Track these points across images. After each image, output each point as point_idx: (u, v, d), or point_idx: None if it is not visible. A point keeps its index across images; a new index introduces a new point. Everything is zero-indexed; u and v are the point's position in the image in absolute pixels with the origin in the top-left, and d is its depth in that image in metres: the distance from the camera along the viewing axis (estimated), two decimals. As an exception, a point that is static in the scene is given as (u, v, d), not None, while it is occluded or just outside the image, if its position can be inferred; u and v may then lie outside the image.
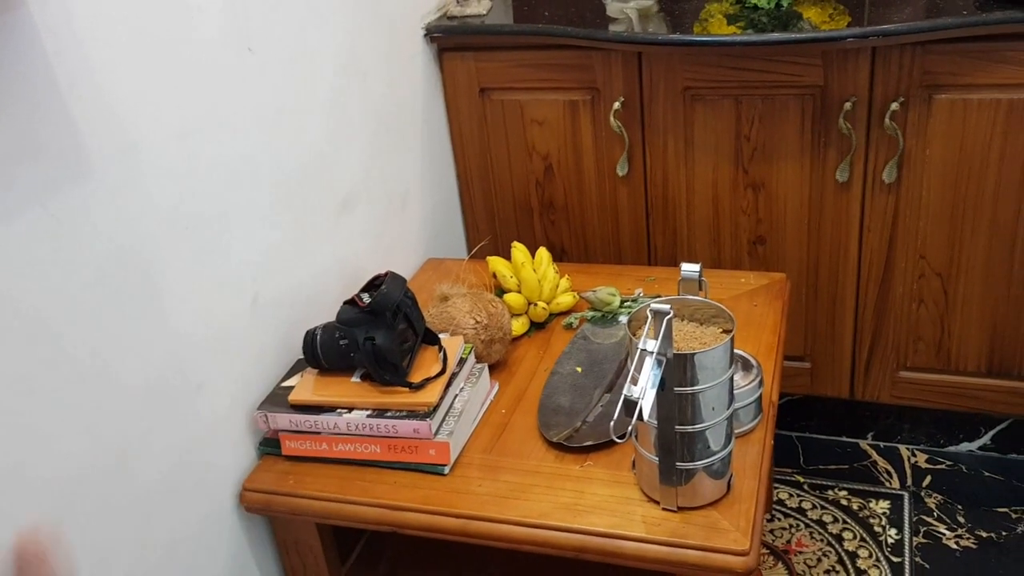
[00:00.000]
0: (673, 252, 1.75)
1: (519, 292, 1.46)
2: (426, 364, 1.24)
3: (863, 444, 1.87)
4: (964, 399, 1.71)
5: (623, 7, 1.65)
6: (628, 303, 1.47)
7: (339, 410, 1.19)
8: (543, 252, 1.50)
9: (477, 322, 1.31)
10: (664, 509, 1.06)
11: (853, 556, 1.63)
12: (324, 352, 1.22)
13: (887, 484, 1.78)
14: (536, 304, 1.45)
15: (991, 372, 1.67)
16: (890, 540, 1.65)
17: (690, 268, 1.15)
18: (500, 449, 1.20)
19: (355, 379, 1.23)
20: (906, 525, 1.68)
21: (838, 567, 1.61)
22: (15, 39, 0.87)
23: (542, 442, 1.20)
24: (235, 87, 1.18)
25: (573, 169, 1.74)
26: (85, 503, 0.98)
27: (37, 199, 0.90)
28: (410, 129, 1.67)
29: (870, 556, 1.62)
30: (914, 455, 1.83)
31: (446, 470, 1.17)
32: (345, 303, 1.24)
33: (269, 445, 1.24)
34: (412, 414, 1.17)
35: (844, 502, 1.74)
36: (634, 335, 1.02)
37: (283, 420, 1.21)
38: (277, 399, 1.23)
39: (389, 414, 1.17)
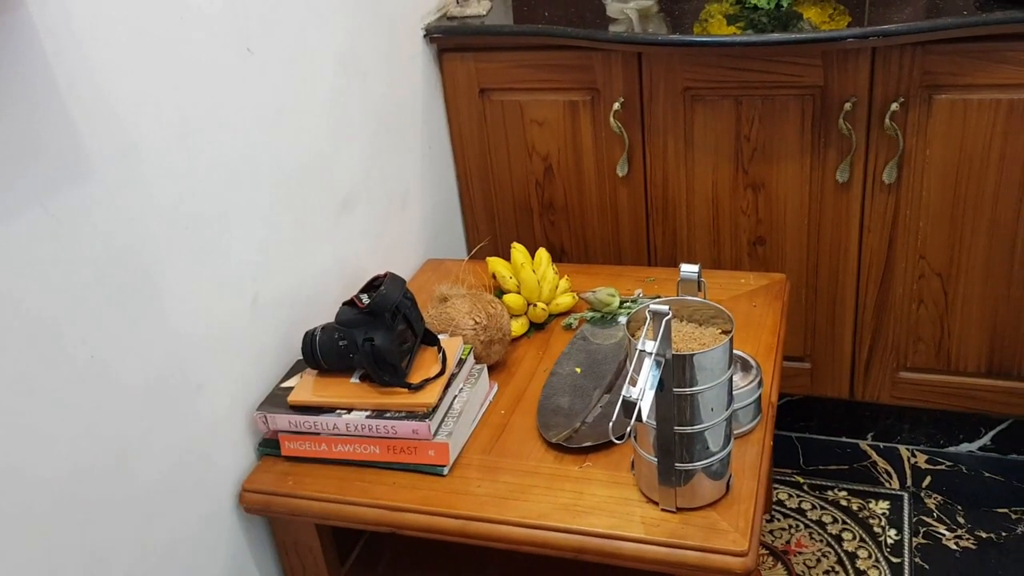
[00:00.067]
0: (673, 253, 1.75)
1: (518, 293, 1.46)
2: (425, 365, 1.24)
3: (863, 445, 1.87)
4: (964, 399, 1.71)
5: (623, 7, 1.65)
6: (627, 304, 1.47)
7: (338, 411, 1.19)
8: (542, 253, 1.50)
9: (476, 323, 1.31)
10: (663, 510, 1.06)
11: (853, 557, 1.63)
12: (323, 353, 1.23)
13: (887, 485, 1.77)
14: (535, 305, 1.46)
15: (991, 372, 1.67)
16: (890, 541, 1.65)
17: (689, 269, 1.15)
18: (499, 450, 1.20)
19: (354, 380, 1.23)
20: (906, 526, 1.68)
21: (838, 568, 1.61)
22: (14, 39, 0.87)
23: (541, 443, 1.20)
24: (235, 87, 1.18)
25: (573, 170, 1.74)
26: (85, 503, 0.98)
27: (37, 199, 0.90)
28: (410, 129, 1.67)
29: (870, 557, 1.62)
30: (914, 455, 1.83)
31: (445, 471, 1.17)
32: (344, 304, 1.24)
33: (268, 446, 1.24)
34: (411, 415, 1.17)
35: (844, 503, 1.74)
36: (633, 336, 1.02)
37: (282, 421, 1.21)
38: (276, 400, 1.23)
39: (388, 415, 1.17)
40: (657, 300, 1.10)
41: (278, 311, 1.29)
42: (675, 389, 0.98)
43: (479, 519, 1.10)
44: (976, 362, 1.67)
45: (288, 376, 1.28)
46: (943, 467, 1.80)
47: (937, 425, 1.82)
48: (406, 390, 1.19)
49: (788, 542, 1.67)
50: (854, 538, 1.66)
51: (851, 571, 1.60)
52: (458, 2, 1.72)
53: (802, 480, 1.80)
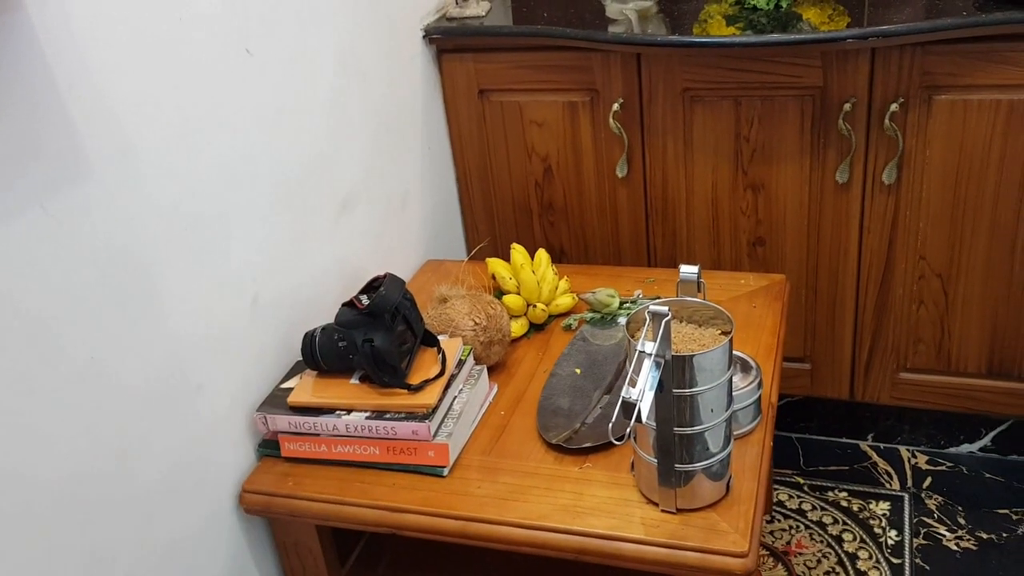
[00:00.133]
0: (672, 253, 1.75)
1: (518, 294, 1.46)
2: (425, 366, 1.24)
3: (863, 445, 1.87)
4: (964, 400, 1.71)
5: (622, 8, 1.65)
6: (627, 304, 1.47)
7: (338, 412, 1.19)
8: (542, 253, 1.50)
9: (476, 324, 1.31)
10: (663, 511, 1.06)
11: (853, 557, 1.63)
12: (323, 354, 1.23)
13: (887, 485, 1.77)
14: (535, 305, 1.45)
15: (991, 373, 1.67)
16: (890, 541, 1.65)
17: (688, 270, 1.15)
18: (499, 451, 1.20)
19: (354, 381, 1.23)
20: (906, 526, 1.68)
21: (838, 568, 1.61)
22: (14, 40, 0.87)
23: (541, 444, 1.20)
24: (235, 87, 1.18)
25: (572, 170, 1.74)
26: (85, 503, 0.98)
27: (37, 199, 0.90)
28: (409, 130, 1.67)
29: (870, 557, 1.62)
30: (914, 456, 1.83)
31: (445, 472, 1.17)
32: (344, 305, 1.24)
33: (268, 447, 1.24)
34: (411, 416, 1.17)
35: (844, 503, 1.74)
36: (632, 337, 1.02)
37: (282, 422, 1.21)
38: (276, 401, 1.23)
39: (388, 416, 1.17)
40: (657, 301, 1.10)
41: (278, 312, 1.29)
42: (675, 390, 0.98)
43: (479, 520, 1.10)
44: (976, 363, 1.67)
45: (288, 377, 1.28)
46: (943, 468, 1.80)
47: (937, 426, 1.82)
48: (406, 391, 1.19)
49: (788, 543, 1.67)
50: (854, 539, 1.66)
51: (851, 572, 1.60)
52: (457, 3, 1.72)
53: (802, 481, 1.80)
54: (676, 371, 0.98)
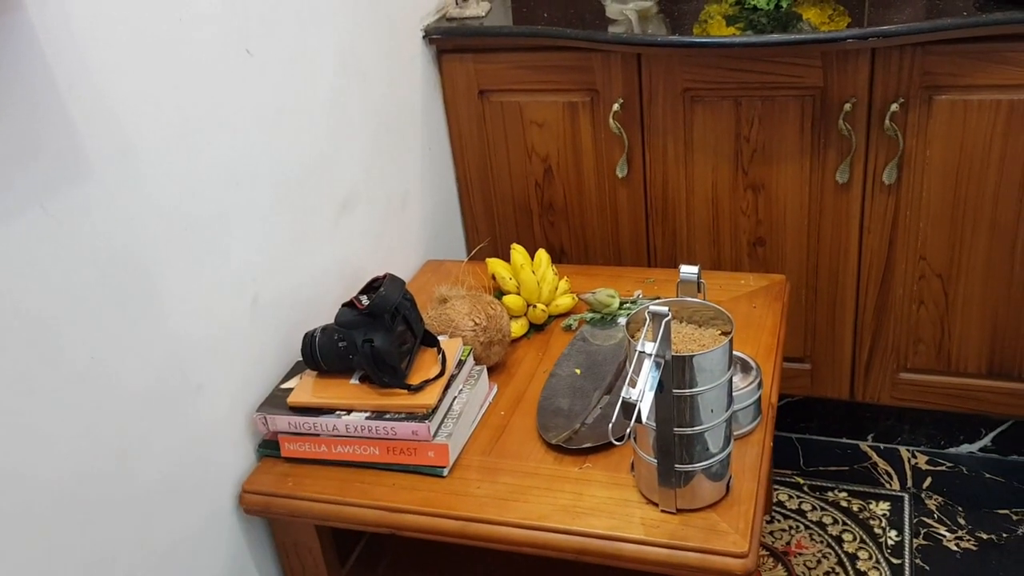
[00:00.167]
0: (673, 253, 1.75)
1: (518, 294, 1.46)
2: (425, 366, 1.24)
3: (863, 446, 1.87)
4: (964, 400, 1.71)
5: (622, 8, 1.65)
6: (627, 305, 1.46)
7: (338, 412, 1.19)
8: (542, 254, 1.50)
9: (476, 324, 1.31)
10: (663, 511, 1.06)
11: (853, 558, 1.62)
12: (323, 354, 1.22)
13: (887, 486, 1.77)
14: (535, 306, 1.45)
15: (991, 373, 1.67)
16: (890, 542, 1.65)
17: (688, 270, 1.15)
18: (499, 451, 1.20)
19: (354, 381, 1.23)
20: (906, 527, 1.67)
21: (838, 569, 1.61)
22: (14, 41, 0.87)
23: (541, 444, 1.20)
24: (235, 87, 1.18)
25: (572, 171, 1.74)
26: (85, 504, 0.98)
27: (37, 199, 0.90)
28: (409, 130, 1.67)
29: (870, 558, 1.62)
30: (914, 456, 1.83)
31: (445, 472, 1.17)
32: (344, 305, 1.24)
33: (268, 447, 1.24)
34: (411, 416, 1.17)
35: (844, 504, 1.74)
36: (632, 337, 1.02)
37: (282, 422, 1.21)
38: (276, 401, 1.23)
39: (388, 416, 1.17)
40: (657, 301, 1.10)
41: (278, 312, 1.29)
42: (675, 390, 0.98)
43: (479, 520, 1.10)
44: (977, 363, 1.67)
45: (288, 377, 1.28)
46: (944, 468, 1.80)
47: (937, 426, 1.82)
48: (406, 391, 1.19)
49: (788, 543, 1.67)
50: (854, 539, 1.66)
51: (852, 572, 1.60)
52: (457, 3, 1.72)
53: (802, 481, 1.80)
54: (676, 371, 0.98)
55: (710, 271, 1.58)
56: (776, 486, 1.79)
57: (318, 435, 1.20)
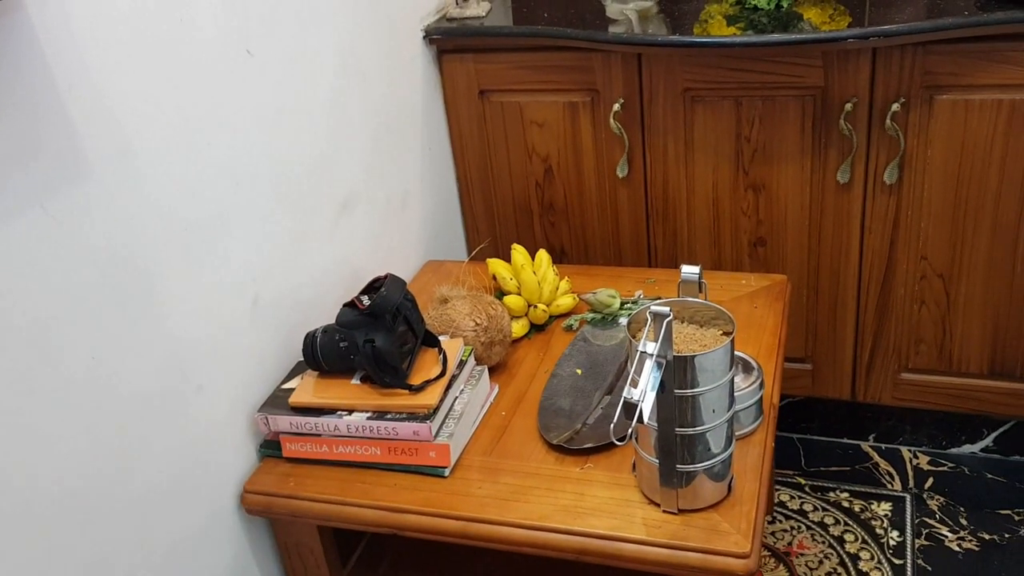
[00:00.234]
0: (673, 254, 1.75)
1: (519, 294, 1.46)
2: (426, 366, 1.24)
3: (864, 446, 1.87)
4: (966, 401, 1.71)
5: (623, 8, 1.65)
6: (628, 305, 1.46)
7: (339, 412, 1.19)
8: (543, 254, 1.50)
9: (477, 324, 1.31)
10: (664, 511, 1.06)
11: (855, 558, 1.62)
12: (324, 354, 1.22)
13: (889, 486, 1.77)
14: (536, 306, 1.45)
15: (993, 374, 1.67)
16: (892, 542, 1.65)
17: (690, 270, 1.15)
18: (500, 451, 1.20)
19: (355, 381, 1.23)
20: (908, 527, 1.67)
21: (840, 569, 1.61)
22: (14, 41, 0.87)
23: (542, 444, 1.20)
24: (235, 88, 1.18)
25: (573, 171, 1.74)
26: (86, 504, 0.98)
27: (36, 200, 0.90)
28: (410, 131, 1.66)
29: (872, 558, 1.62)
30: (916, 457, 1.83)
31: (446, 472, 1.16)
32: (345, 305, 1.23)
33: (270, 447, 1.24)
34: (412, 416, 1.17)
35: (846, 504, 1.74)
36: (634, 337, 1.02)
37: (283, 422, 1.21)
38: (277, 401, 1.23)
39: (389, 416, 1.17)
40: (658, 301, 1.09)
41: (278, 312, 1.29)
42: (676, 391, 0.98)
43: (480, 520, 1.10)
44: (978, 363, 1.67)
45: (289, 377, 1.28)
46: (945, 468, 1.79)
47: (939, 426, 1.82)
48: (407, 391, 1.19)
49: (790, 544, 1.67)
50: (856, 539, 1.66)
51: (853, 573, 1.59)
52: (457, 3, 1.72)
53: (804, 481, 1.80)
54: (678, 371, 0.97)
55: (711, 271, 1.58)
56: (777, 486, 1.79)
57: (319, 435, 1.20)
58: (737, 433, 1.15)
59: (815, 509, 1.73)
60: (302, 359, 1.26)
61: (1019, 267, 1.56)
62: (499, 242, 1.86)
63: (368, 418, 1.17)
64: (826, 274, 1.68)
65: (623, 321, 1.43)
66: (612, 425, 0.99)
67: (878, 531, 1.67)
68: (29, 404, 0.90)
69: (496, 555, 1.23)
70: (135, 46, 1.01)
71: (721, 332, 1.05)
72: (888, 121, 1.49)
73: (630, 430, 1.01)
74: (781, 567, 1.62)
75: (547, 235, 1.83)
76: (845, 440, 1.89)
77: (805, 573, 1.61)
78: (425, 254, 1.73)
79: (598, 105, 1.66)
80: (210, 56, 1.13)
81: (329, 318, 1.26)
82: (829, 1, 1.61)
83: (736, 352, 1.10)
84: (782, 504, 1.75)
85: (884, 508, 1.72)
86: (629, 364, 0.98)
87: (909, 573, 1.58)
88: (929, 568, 1.59)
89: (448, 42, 1.70)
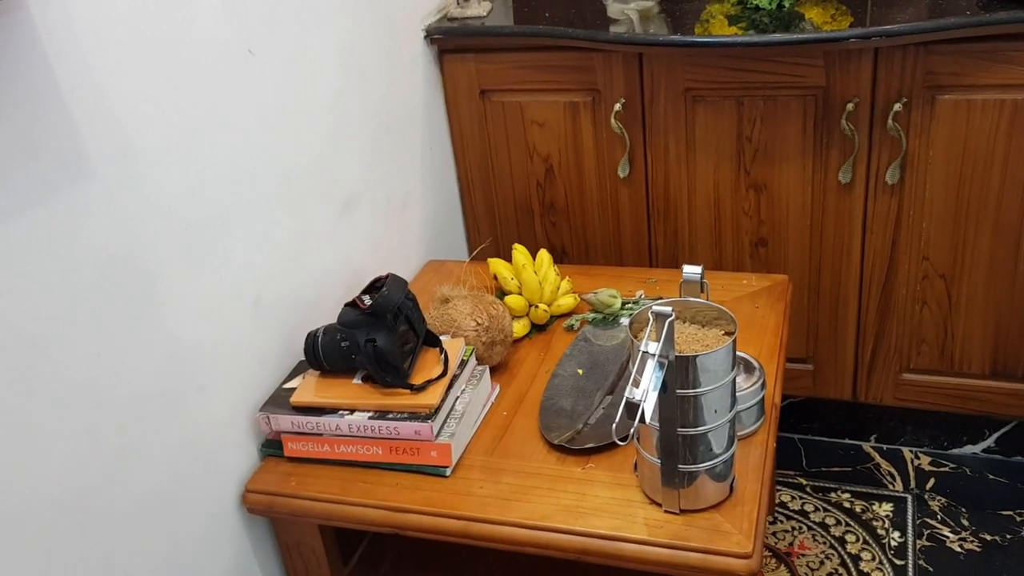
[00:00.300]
0: (674, 254, 1.75)
1: (520, 294, 1.46)
2: (427, 366, 1.23)
3: (866, 446, 1.87)
4: (968, 401, 1.71)
5: (624, 8, 1.65)
6: (629, 305, 1.46)
7: (341, 412, 1.19)
8: (544, 254, 1.50)
9: (478, 324, 1.31)
10: (666, 511, 1.06)
11: (856, 559, 1.62)
12: (325, 354, 1.22)
13: (890, 487, 1.77)
14: (537, 306, 1.45)
15: (995, 374, 1.67)
16: (893, 543, 1.64)
17: (692, 270, 1.15)
18: (501, 451, 1.20)
19: (356, 381, 1.23)
20: (909, 528, 1.67)
21: (841, 570, 1.60)
22: (15, 40, 0.87)
23: (543, 444, 1.20)
24: (236, 88, 1.18)
25: (574, 171, 1.74)
26: (86, 504, 0.97)
27: (37, 199, 0.90)
28: (411, 131, 1.66)
29: (873, 559, 1.62)
30: (917, 457, 1.83)
31: (448, 472, 1.16)
32: (346, 305, 1.23)
33: (271, 446, 1.24)
34: (413, 416, 1.16)
35: (847, 504, 1.73)
36: (636, 337, 1.02)
37: (285, 422, 1.21)
38: (279, 401, 1.23)
39: (391, 416, 1.17)
40: (660, 301, 1.09)
41: (280, 312, 1.29)
42: (678, 391, 0.98)
43: (482, 520, 1.10)
44: (980, 364, 1.66)
45: (290, 377, 1.28)
46: (947, 469, 1.79)
47: (941, 427, 1.82)
48: (408, 391, 1.19)
49: (791, 544, 1.66)
50: (857, 540, 1.66)
51: (855, 573, 1.59)
52: (459, 3, 1.72)
53: (805, 482, 1.80)
54: (680, 372, 0.97)
55: (712, 271, 1.57)
56: (778, 487, 1.79)
57: (321, 435, 1.19)
58: (739, 433, 1.15)
59: (816, 509, 1.73)
60: (303, 359, 1.26)
61: (1021, 267, 1.56)
62: (500, 242, 1.85)
63: (370, 418, 1.17)
64: (827, 274, 1.67)
65: (624, 321, 1.43)
66: (614, 425, 0.99)
67: (879, 532, 1.67)
68: (29, 404, 0.90)
69: (497, 555, 1.23)
70: (136, 46, 1.01)
71: (723, 332, 1.05)
72: (890, 121, 1.49)
73: (632, 430, 1.01)
74: (782, 568, 1.62)
75: (548, 235, 1.82)
76: (846, 440, 1.89)
77: (806, 573, 1.61)
78: (426, 254, 1.73)
79: (599, 105, 1.66)
80: (210, 56, 1.13)
81: (330, 318, 1.26)
82: (831, 1, 1.60)
83: (738, 352, 1.10)
84: (783, 504, 1.75)
85: (885, 509, 1.72)
86: (631, 364, 0.98)
87: (910, 574, 1.58)
88: (930, 569, 1.58)
89: (449, 42, 1.70)
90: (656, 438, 1.02)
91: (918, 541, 1.64)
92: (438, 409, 1.17)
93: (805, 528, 1.69)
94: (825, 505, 1.74)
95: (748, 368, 1.22)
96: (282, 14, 1.27)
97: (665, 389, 0.96)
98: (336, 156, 1.42)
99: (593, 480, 1.13)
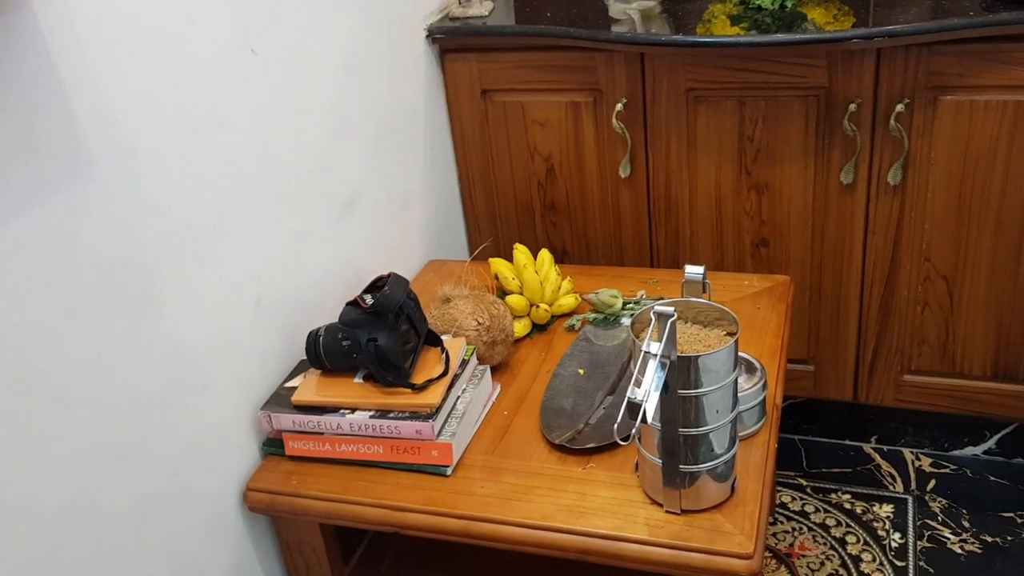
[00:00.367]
0: (675, 254, 1.75)
1: (521, 294, 1.46)
2: (428, 365, 1.23)
3: (867, 447, 1.87)
4: (969, 403, 1.70)
5: (625, 8, 1.64)
6: (630, 305, 1.46)
7: (342, 411, 1.19)
8: (545, 254, 1.50)
9: (479, 324, 1.31)
10: (667, 512, 1.06)
11: (856, 560, 1.62)
12: (327, 353, 1.22)
13: (891, 488, 1.77)
14: (538, 306, 1.45)
15: (996, 376, 1.67)
16: (894, 544, 1.64)
17: (694, 270, 1.15)
18: (502, 451, 1.20)
19: (358, 380, 1.23)
20: (910, 529, 1.67)
21: (841, 571, 1.60)
22: (17, 39, 0.87)
23: (544, 444, 1.20)
24: (236, 87, 1.18)
25: (575, 171, 1.74)
26: (87, 502, 0.97)
27: (37, 199, 0.90)
28: (412, 130, 1.66)
29: (874, 560, 1.61)
30: (918, 459, 1.83)
31: (448, 471, 1.16)
32: (348, 304, 1.23)
33: (272, 445, 1.24)
34: (414, 415, 1.16)
35: (847, 506, 1.73)
36: (638, 337, 1.02)
37: (286, 420, 1.21)
38: (280, 399, 1.23)
39: (392, 415, 1.17)
40: (662, 301, 1.09)
41: (281, 312, 1.29)
42: (680, 391, 0.98)
43: (482, 519, 1.10)
44: (981, 365, 1.66)
45: (292, 376, 1.28)
46: (948, 471, 1.79)
47: (942, 428, 1.82)
48: (409, 390, 1.19)
49: (792, 545, 1.66)
50: (858, 541, 1.66)
51: (855, 574, 1.59)
52: (460, 3, 1.72)
53: (805, 483, 1.80)
54: (681, 372, 0.97)
55: (713, 272, 1.57)
56: (779, 488, 1.78)
57: (322, 433, 1.19)
58: (740, 434, 1.15)
59: (817, 510, 1.73)
60: (305, 358, 1.26)
61: (1022, 269, 1.56)
62: (501, 242, 1.85)
63: (371, 417, 1.17)
64: (829, 275, 1.67)
65: (625, 321, 1.43)
66: (616, 425, 0.99)
67: (880, 533, 1.67)
68: (29, 404, 0.90)
69: (498, 554, 1.23)
70: (136, 45, 1.01)
71: (725, 333, 1.05)
72: (892, 122, 1.49)
73: (633, 430, 1.00)
74: (783, 568, 1.62)
75: (549, 235, 1.82)
76: (847, 441, 1.89)
77: (807, 574, 1.61)
78: (427, 254, 1.73)
79: (601, 105, 1.66)
80: (211, 56, 1.13)
81: (331, 317, 1.26)
82: (833, 1, 1.60)
83: (739, 353, 1.10)
84: (784, 505, 1.75)
85: (886, 510, 1.71)
86: (633, 364, 0.98)
87: (911, 575, 1.58)
88: (931, 570, 1.58)
89: (451, 41, 1.70)
90: (658, 438, 1.02)
91: (919, 542, 1.64)
92: (439, 408, 1.17)
93: (805, 529, 1.69)
94: (826, 506, 1.74)
95: (750, 369, 1.22)
96: (282, 13, 1.27)
97: (667, 389, 0.96)
98: (337, 156, 1.42)
99: (594, 480, 1.13)
